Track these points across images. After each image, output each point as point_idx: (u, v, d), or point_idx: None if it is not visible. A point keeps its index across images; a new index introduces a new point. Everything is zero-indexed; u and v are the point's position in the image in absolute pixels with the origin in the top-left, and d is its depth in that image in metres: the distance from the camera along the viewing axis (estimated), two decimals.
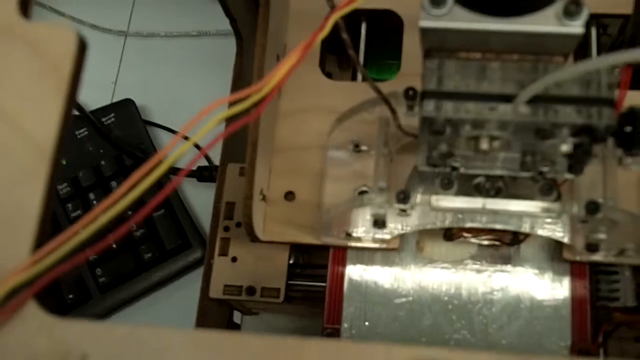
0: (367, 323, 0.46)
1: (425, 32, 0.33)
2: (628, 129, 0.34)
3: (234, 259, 0.50)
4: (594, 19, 0.54)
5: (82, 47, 0.25)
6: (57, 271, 0.27)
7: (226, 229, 0.51)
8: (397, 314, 0.46)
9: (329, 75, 0.57)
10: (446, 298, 0.46)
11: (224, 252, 0.50)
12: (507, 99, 0.33)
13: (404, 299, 0.46)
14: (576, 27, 0.31)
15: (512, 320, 0.46)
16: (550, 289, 0.46)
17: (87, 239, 0.28)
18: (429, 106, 0.33)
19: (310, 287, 0.50)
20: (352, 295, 0.47)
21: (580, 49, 0.54)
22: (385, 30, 0.57)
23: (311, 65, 0.51)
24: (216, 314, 0.56)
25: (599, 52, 0.54)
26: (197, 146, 0.31)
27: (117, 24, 0.78)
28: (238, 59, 0.58)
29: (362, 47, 0.56)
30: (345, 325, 0.46)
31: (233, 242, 0.50)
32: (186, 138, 0.73)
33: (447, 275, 0.47)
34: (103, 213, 0.28)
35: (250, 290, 0.49)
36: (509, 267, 0.46)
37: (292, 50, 0.31)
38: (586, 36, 0.54)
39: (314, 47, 0.51)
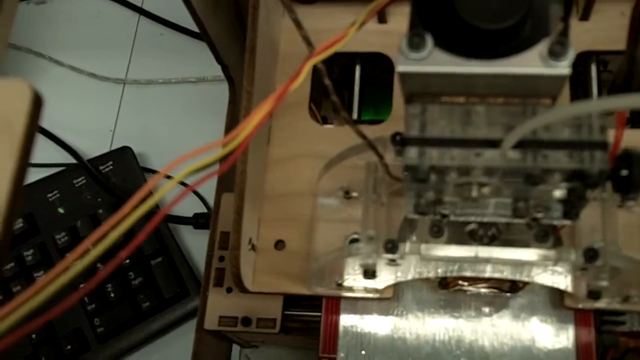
0: (363, 352, 0.45)
1: (404, 77, 0.31)
2: (624, 172, 0.32)
3: (229, 290, 0.48)
4: (594, 56, 0.53)
5: (37, 104, 0.24)
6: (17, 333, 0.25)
7: (221, 259, 0.50)
8: (395, 344, 0.45)
9: (324, 119, 0.56)
10: (445, 332, 0.45)
11: (219, 283, 0.49)
12: (494, 144, 0.32)
13: (401, 332, 0.45)
14: (562, 68, 0.30)
15: (514, 349, 0.44)
16: (554, 334, 0.44)
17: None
18: (412, 153, 0.32)
19: (308, 317, 0.48)
20: (348, 328, 0.45)
21: (580, 86, 0.53)
22: (381, 71, 0.56)
23: (301, 111, 0.50)
24: (213, 351, 0.54)
25: (599, 89, 0.53)
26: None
27: (115, 72, 0.77)
28: (231, 105, 0.57)
29: (357, 89, 0.55)
30: (341, 354, 0.45)
31: (228, 273, 0.48)
32: (184, 184, 0.72)
33: (447, 319, 0.45)
34: (72, 263, 0.27)
35: (246, 321, 0.47)
36: (509, 314, 0.45)
37: (262, 99, 0.30)
38: (586, 73, 0.53)
39: (303, 94, 0.51)
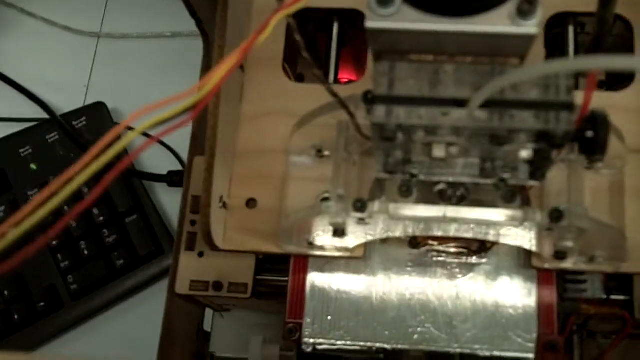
0: (329, 317, 0.45)
1: (373, 34, 0.31)
2: (589, 134, 0.33)
3: (201, 254, 0.48)
4: (572, 17, 0.52)
5: None
6: None
7: (193, 223, 0.49)
8: (360, 308, 0.45)
9: (300, 77, 0.55)
10: (410, 294, 0.45)
11: (190, 247, 0.49)
12: (462, 103, 0.31)
13: (367, 294, 0.45)
14: (530, 27, 0.30)
15: (477, 313, 0.44)
16: (518, 294, 0.44)
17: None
18: (379, 112, 0.32)
19: (279, 282, 0.48)
20: (315, 291, 0.46)
21: (557, 48, 0.53)
22: (359, 30, 0.56)
23: (274, 68, 0.49)
24: (185, 315, 0.54)
25: (576, 51, 0.53)
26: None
27: (89, 26, 0.76)
28: (205, 60, 0.56)
29: (334, 47, 0.54)
30: (307, 319, 0.45)
31: (200, 237, 0.48)
32: (161, 143, 0.71)
33: (413, 279, 0.45)
34: (37, 207, 0.27)
35: (217, 286, 0.47)
36: (475, 274, 0.45)
37: (230, 53, 0.29)
38: (563, 35, 0.53)
39: (277, 50, 0.50)
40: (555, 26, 0.52)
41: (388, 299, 0.45)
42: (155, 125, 0.31)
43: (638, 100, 0.46)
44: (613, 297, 0.45)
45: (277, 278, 0.48)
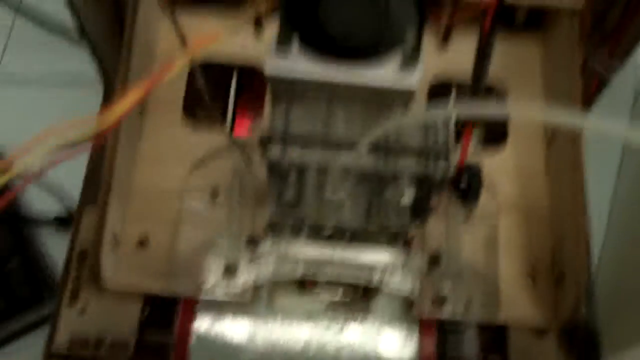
0: None
1: (272, 80, 0.34)
2: (464, 183, 0.36)
3: (83, 310, 0.47)
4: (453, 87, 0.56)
5: None
6: None
7: (77, 277, 0.48)
8: None
9: (198, 125, 0.56)
10: (296, 351, 0.46)
11: (72, 303, 0.47)
12: (351, 146, 0.34)
13: (252, 356, 0.45)
14: (410, 83, 0.33)
15: None
16: (400, 344, 0.46)
17: None
18: (275, 150, 0.34)
19: (162, 341, 0.46)
20: (199, 349, 0.45)
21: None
22: (260, 82, 0.58)
23: (174, 110, 0.50)
24: None
25: None
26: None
27: None
28: (104, 104, 0.57)
29: (232, 98, 0.56)
30: None
31: (83, 292, 0.47)
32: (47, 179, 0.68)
33: (298, 331, 0.46)
34: None
35: (98, 344, 0.46)
36: (359, 322, 0.46)
37: (134, 87, 0.31)
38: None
39: (177, 94, 0.51)
40: (438, 95, 0.56)
41: (273, 353, 0.46)
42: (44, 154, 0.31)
43: (512, 161, 0.51)
44: (490, 357, 0.46)
45: (161, 337, 0.46)
